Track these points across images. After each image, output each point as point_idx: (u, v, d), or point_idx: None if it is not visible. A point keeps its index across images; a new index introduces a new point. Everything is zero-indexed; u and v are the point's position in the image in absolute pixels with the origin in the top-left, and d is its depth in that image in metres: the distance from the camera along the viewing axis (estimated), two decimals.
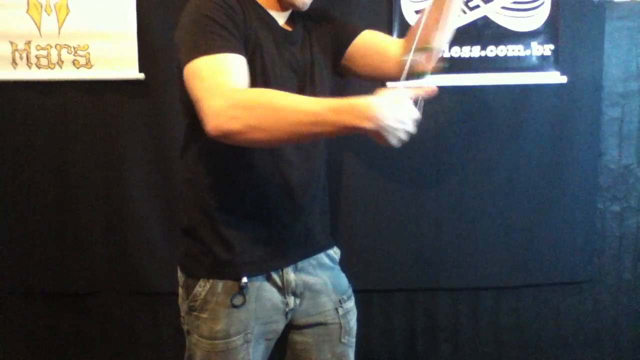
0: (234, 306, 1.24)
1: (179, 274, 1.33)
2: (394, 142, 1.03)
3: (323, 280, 1.37)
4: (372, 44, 1.39)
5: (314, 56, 1.34)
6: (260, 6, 1.27)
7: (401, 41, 1.39)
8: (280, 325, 1.33)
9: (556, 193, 1.95)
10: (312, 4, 1.31)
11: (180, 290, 1.33)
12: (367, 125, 0.99)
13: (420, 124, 1.94)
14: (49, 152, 1.87)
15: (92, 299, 1.96)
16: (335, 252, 1.44)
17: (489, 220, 1.94)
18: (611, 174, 1.99)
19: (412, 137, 1.95)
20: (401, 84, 1.11)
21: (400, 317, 2.01)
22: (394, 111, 1.00)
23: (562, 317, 2.04)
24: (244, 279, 1.24)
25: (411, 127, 1.03)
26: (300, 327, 1.36)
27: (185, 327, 1.33)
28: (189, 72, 1.10)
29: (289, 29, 1.32)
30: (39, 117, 1.86)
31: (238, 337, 1.26)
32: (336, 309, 1.38)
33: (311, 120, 1.00)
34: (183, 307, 1.32)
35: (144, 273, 1.92)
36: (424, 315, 2.01)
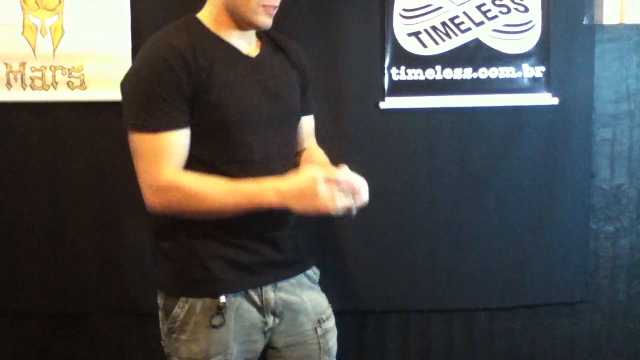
0: (213, 326, 1.23)
1: (158, 295, 1.32)
2: (320, 211, 1.15)
3: (302, 299, 1.36)
4: (300, 133, 1.47)
5: (286, 80, 1.36)
6: (218, 37, 1.26)
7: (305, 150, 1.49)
8: (260, 345, 1.32)
9: (549, 214, 1.95)
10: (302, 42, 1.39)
11: (160, 313, 1.32)
12: (279, 206, 1.17)
13: (414, 146, 1.95)
14: (42, 173, 1.86)
15: (82, 320, 1.94)
16: (314, 273, 1.44)
17: (483, 241, 1.94)
18: (603, 194, 2.00)
19: (406, 159, 1.96)
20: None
21: (394, 339, 1.99)
22: (303, 197, 1.14)
23: (557, 338, 2.03)
24: (222, 298, 1.23)
25: (331, 204, 1.14)
26: (279, 349, 1.36)
27: (166, 350, 1.32)
28: (130, 139, 1.21)
29: (252, 54, 1.31)
30: (33, 138, 1.85)
31: (217, 357, 1.25)
32: (315, 329, 1.38)
33: (231, 208, 1.19)
34: (163, 329, 1.30)
35: (135, 294, 1.90)
36: (418, 337, 2.00)
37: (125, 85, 1.23)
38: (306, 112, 1.47)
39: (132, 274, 1.90)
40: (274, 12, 1.27)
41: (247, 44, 1.31)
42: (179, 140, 1.20)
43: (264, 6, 1.24)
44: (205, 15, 1.28)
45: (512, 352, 2.01)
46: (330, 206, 1.13)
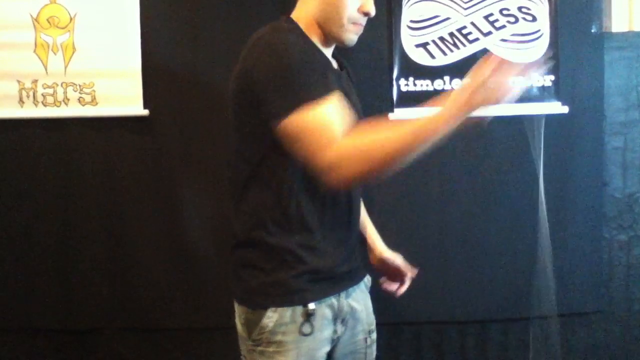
0: (304, 334, 1.22)
1: (239, 311, 1.29)
2: (492, 101, 1.08)
3: (361, 307, 1.36)
4: None
5: (357, 98, 1.37)
6: (319, 49, 1.27)
7: None
8: (326, 356, 1.29)
9: (561, 223, 1.93)
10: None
11: (240, 329, 1.28)
12: (447, 124, 1.07)
13: (423, 157, 1.95)
14: (54, 188, 1.88)
15: (94, 336, 1.94)
16: (368, 280, 1.44)
17: (496, 252, 1.93)
18: (616, 203, 1.98)
19: (415, 170, 1.95)
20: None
21: (407, 351, 1.98)
22: (464, 91, 1.07)
23: (572, 349, 2.00)
24: (312, 305, 1.22)
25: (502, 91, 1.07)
26: (334, 358, 1.33)
27: None
28: (292, 125, 1.11)
29: (340, 70, 1.33)
30: (44, 153, 1.87)
31: None
32: (365, 339, 1.37)
33: (404, 145, 1.08)
34: (245, 346, 1.28)
35: (146, 309, 1.90)
36: (431, 349, 1.98)
37: (268, 76, 1.14)
38: None
39: (143, 290, 1.90)
40: (361, 31, 1.28)
41: (331, 58, 1.32)
42: (341, 100, 1.14)
43: (354, 24, 1.25)
44: (299, 20, 1.27)
45: None
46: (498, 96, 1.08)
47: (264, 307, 1.23)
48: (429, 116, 1.08)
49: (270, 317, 1.22)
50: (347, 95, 1.25)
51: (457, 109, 1.07)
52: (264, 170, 1.23)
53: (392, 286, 1.45)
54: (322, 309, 1.25)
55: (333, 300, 1.27)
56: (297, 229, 1.24)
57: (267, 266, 1.24)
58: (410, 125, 1.08)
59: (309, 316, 1.21)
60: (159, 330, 1.93)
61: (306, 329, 1.22)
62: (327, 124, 1.10)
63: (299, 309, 1.22)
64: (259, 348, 1.24)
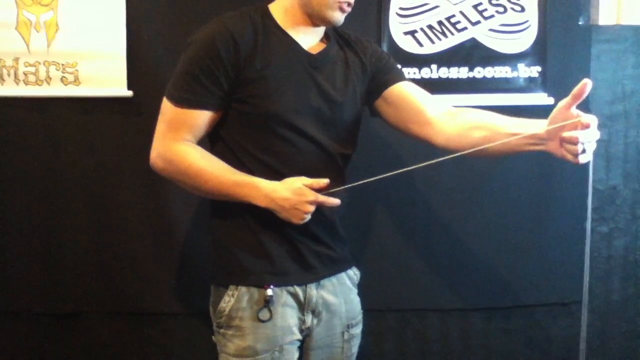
0: (261, 321, 1.22)
1: (211, 291, 1.32)
2: (291, 220, 1.22)
3: (339, 301, 1.35)
4: (409, 98, 1.37)
5: (345, 81, 1.32)
6: (281, 29, 1.25)
7: (443, 107, 1.39)
8: (296, 345, 1.30)
9: (545, 214, 1.95)
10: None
11: (210, 310, 1.31)
12: (262, 203, 1.21)
13: (410, 145, 1.94)
14: (36, 169, 1.85)
15: (77, 320, 1.92)
16: (355, 274, 1.42)
17: (479, 242, 1.94)
18: (598, 195, 2.00)
19: (402, 158, 1.95)
20: None
21: (390, 339, 1.98)
22: (288, 201, 1.19)
23: (553, 338, 2.03)
24: (269, 291, 1.22)
25: (303, 216, 1.22)
26: (307, 349, 1.34)
27: (218, 348, 1.31)
28: (163, 103, 1.27)
29: (314, 52, 1.29)
30: (26, 133, 1.84)
31: (266, 355, 1.23)
32: (342, 333, 1.37)
33: (218, 189, 1.22)
34: (214, 325, 1.30)
35: (131, 293, 1.89)
36: (414, 337, 1.99)
37: (182, 55, 1.28)
38: (393, 82, 1.37)
39: (128, 273, 1.88)
40: (348, 9, 1.26)
41: (311, 40, 1.29)
42: (198, 120, 1.23)
43: (339, 1, 1.23)
44: (275, 7, 1.28)
45: (509, 353, 2.01)
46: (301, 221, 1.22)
47: (224, 284, 1.25)
48: (255, 186, 1.21)
49: (228, 302, 1.24)
50: (308, 79, 1.26)
51: (266, 200, 1.20)
52: (224, 157, 1.27)
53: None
54: (282, 296, 1.25)
55: (297, 289, 1.27)
56: (254, 212, 1.24)
57: (228, 245, 1.27)
58: (234, 180, 1.22)
59: (266, 302, 1.22)
60: (143, 314, 1.91)
61: (264, 315, 1.22)
62: (176, 126, 1.24)
63: (256, 294, 1.23)
64: (222, 330, 1.27)
